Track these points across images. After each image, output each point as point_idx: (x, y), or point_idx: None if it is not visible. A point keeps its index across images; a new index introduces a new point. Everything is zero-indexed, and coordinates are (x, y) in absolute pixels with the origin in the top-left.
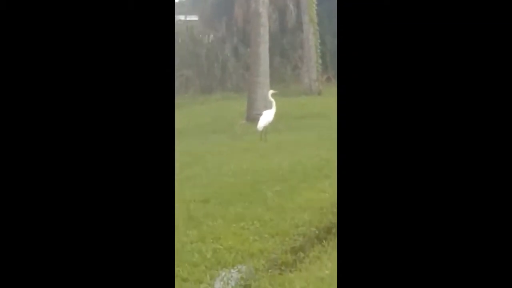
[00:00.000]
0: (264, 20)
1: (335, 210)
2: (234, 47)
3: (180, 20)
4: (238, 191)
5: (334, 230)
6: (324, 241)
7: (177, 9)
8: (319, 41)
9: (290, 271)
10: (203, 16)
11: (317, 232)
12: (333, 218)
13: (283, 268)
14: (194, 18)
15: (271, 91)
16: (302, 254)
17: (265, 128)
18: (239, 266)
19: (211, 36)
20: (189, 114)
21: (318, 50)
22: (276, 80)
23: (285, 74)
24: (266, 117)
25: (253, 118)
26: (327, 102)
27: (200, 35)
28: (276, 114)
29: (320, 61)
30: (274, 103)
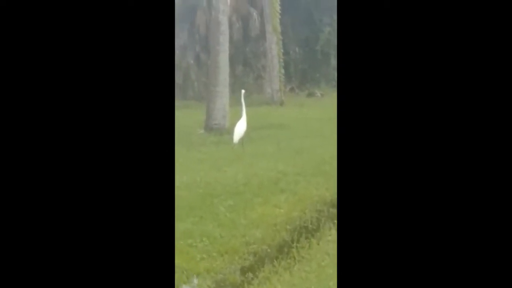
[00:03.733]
0: (224, 28)
1: (289, 226)
2: (196, 55)
3: None
4: (188, 205)
5: (287, 249)
6: (275, 260)
7: None
8: (282, 50)
9: None
10: None
11: (268, 250)
12: (286, 235)
13: None
14: None
15: (243, 91)
16: (251, 275)
17: (241, 139)
18: (183, 287)
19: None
20: None
21: (281, 60)
22: (238, 89)
23: (247, 83)
24: (239, 129)
25: (211, 128)
26: (288, 113)
27: None
28: (233, 125)
29: (283, 71)
30: (244, 110)
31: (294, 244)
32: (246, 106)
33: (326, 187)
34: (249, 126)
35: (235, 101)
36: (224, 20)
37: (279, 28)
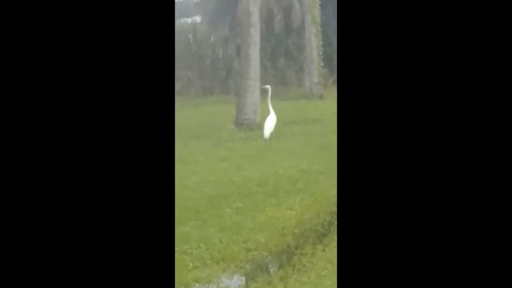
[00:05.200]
0: (255, 19)
1: (298, 230)
2: (238, 47)
3: (183, 21)
4: (194, 207)
5: (288, 256)
6: (271, 270)
7: (180, 10)
8: (321, 42)
9: None
10: (207, 17)
11: (269, 258)
12: (292, 240)
13: None
14: (197, 18)
15: (268, 86)
16: (242, 286)
17: (271, 134)
18: None
19: (215, 36)
20: (179, 117)
21: (321, 52)
22: (279, 82)
23: (289, 76)
24: (269, 124)
25: (241, 123)
26: (325, 107)
27: (204, 36)
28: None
29: (322, 63)
30: (270, 105)
31: (298, 251)
32: (284, 99)
33: None
34: (282, 121)
35: (274, 95)
36: (255, 11)
37: (318, 19)
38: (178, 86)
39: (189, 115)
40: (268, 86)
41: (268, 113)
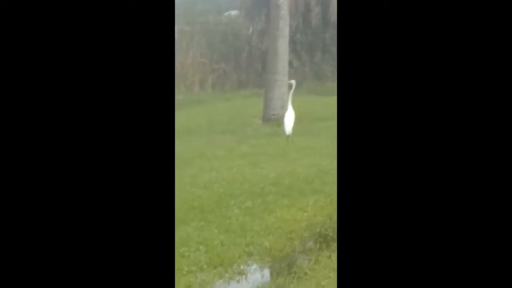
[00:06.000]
0: (284, 12)
1: (307, 234)
2: None
3: (220, 15)
4: (200, 206)
5: (291, 262)
6: (271, 276)
7: (216, 3)
8: None
9: None
10: (243, 10)
11: (270, 263)
12: (299, 245)
13: None
14: (234, 12)
15: (292, 81)
16: None
17: (293, 130)
18: None
19: (251, 29)
20: (208, 112)
21: None
22: (315, 76)
23: (326, 70)
24: (288, 121)
25: (269, 119)
26: None
27: (240, 29)
28: (296, 115)
29: None
30: (290, 103)
31: (303, 257)
32: (318, 94)
33: None
34: (312, 117)
35: (309, 90)
36: (284, 3)
37: None
38: (213, 78)
39: (218, 109)
40: (293, 81)
41: (300, 107)
